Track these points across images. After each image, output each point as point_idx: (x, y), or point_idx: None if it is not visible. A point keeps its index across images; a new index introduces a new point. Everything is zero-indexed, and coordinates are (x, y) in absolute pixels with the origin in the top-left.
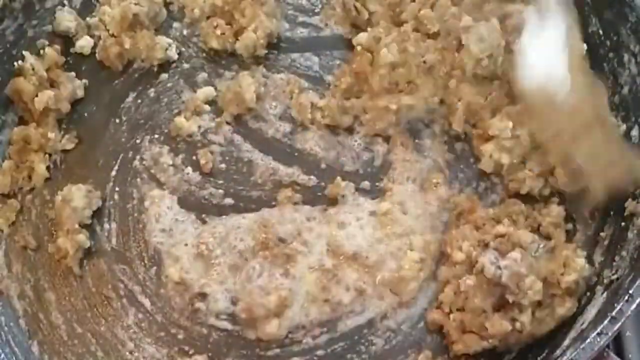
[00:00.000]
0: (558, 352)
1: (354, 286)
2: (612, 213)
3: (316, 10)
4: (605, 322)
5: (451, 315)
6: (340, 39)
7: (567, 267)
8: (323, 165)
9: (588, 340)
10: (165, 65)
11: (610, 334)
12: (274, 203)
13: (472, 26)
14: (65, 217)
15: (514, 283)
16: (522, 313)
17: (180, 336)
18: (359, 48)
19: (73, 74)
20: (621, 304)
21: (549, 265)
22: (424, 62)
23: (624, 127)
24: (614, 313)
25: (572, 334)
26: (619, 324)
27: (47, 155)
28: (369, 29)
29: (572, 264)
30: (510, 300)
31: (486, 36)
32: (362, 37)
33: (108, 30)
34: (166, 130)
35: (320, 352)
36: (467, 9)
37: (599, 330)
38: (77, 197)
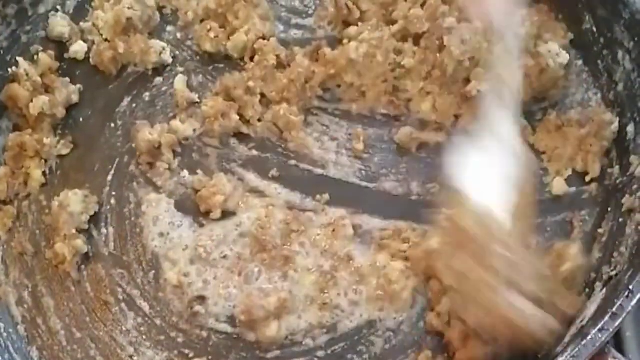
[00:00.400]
0: (559, 349)
1: (349, 294)
2: (609, 210)
3: (309, 12)
4: (606, 318)
5: (452, 323)
6: (334, 40)
7: (561, 257)
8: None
9: (589, 336)
10: (159, 69)
11: (611, 330)
12: (271, 205)
13: (454, 27)
14: (62, 222)
15: None
16: None
17: (179, 340)
18: (345, 41)
19: (67, 79)
20: (621, 300)
21: (544, 259)
22: (403, 66)
23: (616, 124)
24: (614, 309)
25: (572, 330)
26: (620, 320)
27: (43, 161)
28: (359, 23)
29: (566, 254)
30: None
31: (468, 38)
32: (351, 31)
33: (102, 35)
34: None
35: (320, 353)
36: (459, 7)
37: (600, 326)
38: (74, 202)
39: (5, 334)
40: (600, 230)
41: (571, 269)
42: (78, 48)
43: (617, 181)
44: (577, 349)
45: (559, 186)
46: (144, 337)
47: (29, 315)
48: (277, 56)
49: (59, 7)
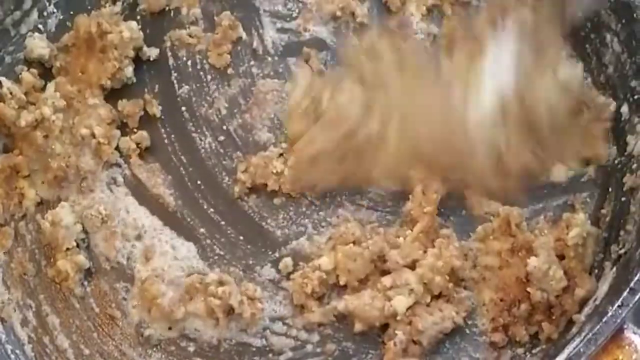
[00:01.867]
0: (574, 329)
1: None
2: (610, 190)
3: (294, 15)
4: (625, 293)
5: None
6: (321, 42)
7: (569, 226)
8: None
9: (610, 313)
10: None
11: (631, 305)
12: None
13: None
14: (61, 238)
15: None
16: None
17: (190, 349)
18: None
19: (57, 93)
20: (637, 275)
21: (553, 232)
22: None
23: (613, 104)
24: (632, 284)
25: (586, 310)
26: (639, 294)
27: None
28: None
29: (573, 221)
30: (539, 297)
31: None
32: None
33: None
34: None
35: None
36: None
37: (619, 302)
38: (65, 214)
39: (12, 356)
40: (603, 211)
41: (580, 235)
42: None
43: (616, 161)
44: (598, 326)
45: (559, 172)
46: (155, 348)
47: (35, 335)
48: None
49: (40, 27)
